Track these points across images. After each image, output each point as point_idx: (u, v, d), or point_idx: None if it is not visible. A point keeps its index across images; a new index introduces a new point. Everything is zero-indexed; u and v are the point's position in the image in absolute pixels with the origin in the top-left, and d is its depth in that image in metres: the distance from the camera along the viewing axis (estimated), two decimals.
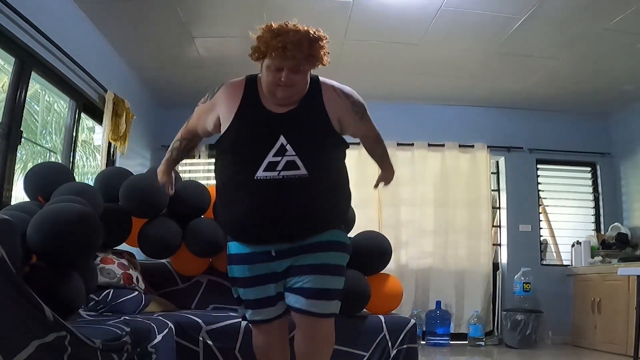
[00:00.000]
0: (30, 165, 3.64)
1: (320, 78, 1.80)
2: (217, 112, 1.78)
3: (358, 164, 5.20)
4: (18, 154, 2.99)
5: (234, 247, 1.81)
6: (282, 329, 1.91)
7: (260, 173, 1.65)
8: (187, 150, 2.01)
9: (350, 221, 2.95)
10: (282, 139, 1.66)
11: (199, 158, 5.30)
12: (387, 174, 2.02)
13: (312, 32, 1.66)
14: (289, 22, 1.69)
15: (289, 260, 1.73)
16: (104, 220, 2.09)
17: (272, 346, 1.88)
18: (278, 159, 1.65)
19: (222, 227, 1.93)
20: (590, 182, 5.45)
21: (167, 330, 2.22)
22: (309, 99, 1.73)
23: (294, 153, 1.65)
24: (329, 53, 1.73)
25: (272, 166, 1.65)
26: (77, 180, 2.75)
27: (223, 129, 1.74)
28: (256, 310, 1.81)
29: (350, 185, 1.87)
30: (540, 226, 5.30)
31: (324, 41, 1.69)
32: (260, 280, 1.77)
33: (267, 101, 1.72)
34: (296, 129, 1.69)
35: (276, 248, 1.72)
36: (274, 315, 1.81)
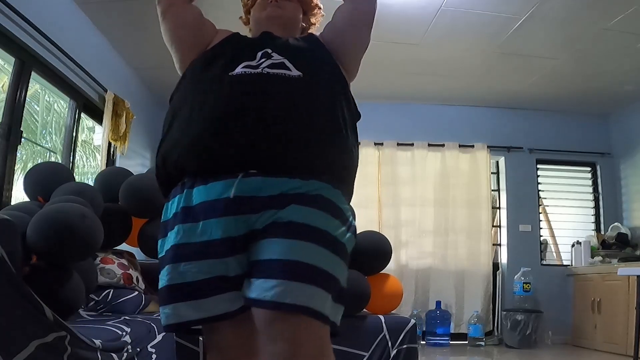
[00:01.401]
0: (30, 165, 3.65)
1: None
2: (208, 29, 1.45)
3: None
4: (18, 154, 2.99)
5: (170, 205, 1.16)
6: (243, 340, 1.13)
7: (238, 70, 1.18)
8: None
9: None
10: (267, 50, 1.24)
11: None
12: None
13: None
14: None
15: (255, 215, 1.05)
16: (104, 220, 2.09)
17: None
18: (261, 61, 1.20)
19: (158, 167, 1.22)
20: (590, 182, 5.45)
21: None
22: (305, 36, 1.43)
23: (281, 58, 1.21)
24: (320, 15, 1.58)
25: (251, 66, 1.19)
26: (77, 180, 2.75)
27: (197, 52, 1.35)
28: (189, 302, 1.07)
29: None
30: (540, 226, 5.30)
31: (319, 6, 1.58)
32: (200, 251, 1.06)
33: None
34: (285, 44, 1.29)
35: (237, 184, 1.05)
36: (220, 311, 1.07)
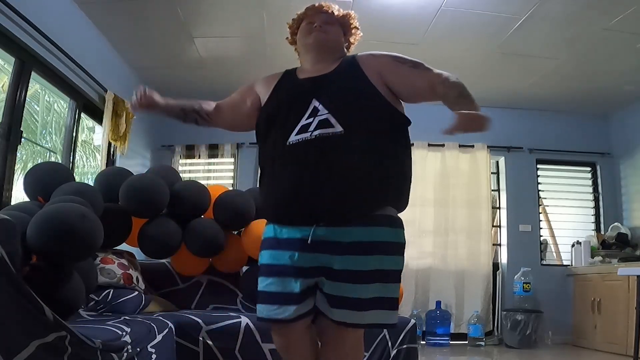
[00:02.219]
0: (30, 165, 3.65)
1: (360, 53, 1.70)
2: (257, 90, 1.78)
3: None
4: (18, 154, 3.00)
5: (267, 230, 1.57)
6: (304, 335, 1.59)
7: (293, 137, 1.46)
8: (196, 117, 1.78)
9: None
10: (314, 102, 1.49)
11: (199, 158, 5.30)
12: (469, 117, 1.48)
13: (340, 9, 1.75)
14: None
15: (322, 256, 1.42)
16: (104, 220, 2.09)
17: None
18: (311, 120, 1.46)
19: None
20: (590, 182, 5.45)
21: (167, 330, 2.22)
22: (343, 65, 1.60)
23: (327, 111, 1.46)
24: (359, 35, 1.81)
25: (304, 128, 1.45)
26: (77, 180, 2.75)
27: (262, 105, 1.69)
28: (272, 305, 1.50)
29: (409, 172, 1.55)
30: (540, 226, 5.30)
31: (352, 17, 1.77)
32: (282, 272, 1.47)
33: (303, 73, 1.67)
34: (329, 88, 1.52)
35: (312, 233, 1.42)
36: (293, 315, 1.47)
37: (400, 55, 1.60)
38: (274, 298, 1.47)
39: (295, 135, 1.46)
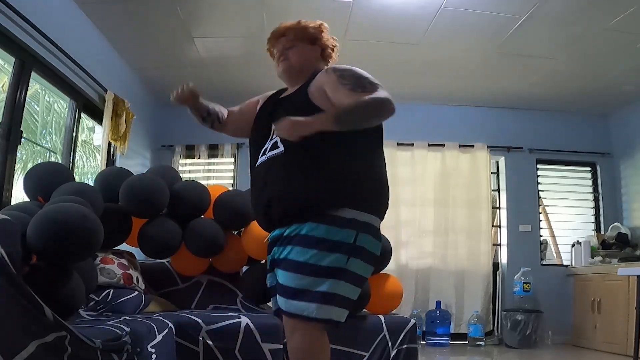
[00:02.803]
0: (30, 165, 3.65)
1: (330, 65, 1.80)
2: (258, 106, 1.94)
3: None
4: (18, 154, 3.00)
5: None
6: None
7: (259, 159, 1.71)
8: (215, 120, 2.02)
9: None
10: (273, 126, 1.67)
11: (199, 158, 5.31)
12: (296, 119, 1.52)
13: (301, 21, 1.86)
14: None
15: (279, 249, 1.62)
16: (104, 220, 2.09)
17: None
18: (269, 144, 1.69)
19: None
20: (590, 182, 5.45)
21: (167, 330, 2.22)
22: (306, 82, 1.73)
23: (276, 136, 1.65)
24: (332, 38, 1.87)
25: (264, 152, 1.70)
26: (77, 180, 2.75)
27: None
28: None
29: (362, 166, 1.62)
30: (540, 226, 5.30)
31: (316, 25, 1.85)
32: (270, 268, 1.71)
33: (285, 94, 1.84)
34: (281, 111, 1.65)
35: (273, 234, 1.67)
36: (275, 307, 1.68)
37: (349, 74, 1.64)
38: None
39: (260, 157, 1.70)
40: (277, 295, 1.60)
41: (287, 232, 1.58)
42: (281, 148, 1.62)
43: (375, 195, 1.65)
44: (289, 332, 1.58)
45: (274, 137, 1.67)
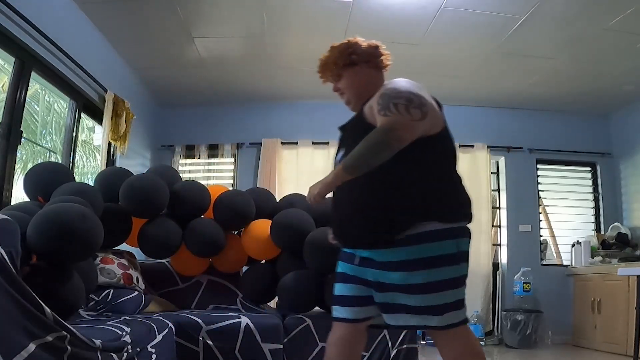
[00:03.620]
0: (30, 165, 3.65)
1: (387, 81, 1.76)
2: None
3: None
4: (18, 154, 2.99)
5: None
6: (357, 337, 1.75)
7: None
8: None
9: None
10: (341, 151, 1.75)
11: (199, 158, 5.31)
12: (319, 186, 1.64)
13: (333, 46, 1.85)
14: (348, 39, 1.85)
15: (370, 271, 1.63)
16: (104, 220, 2.09)
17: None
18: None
19: None
20: (590, 182, 5.45)
21: (167, 330, 2.22)
22: (363, 104, 1.73)
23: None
24: (370, 45, 1.84)
25: None
26: (77, 180, 2.75)
27: None
28: (338, 307, 1.73)
29: (430, 182, 1.62)
30: (540, 226, 5.30)
31: (347, 43, 1.83)
32: (344, 278, 1.72)
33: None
34: (346, 134, 1.78)
35: (361, 253, 1.66)
36: (350, 317, 1.70)
37: (387, 92, 1.60)
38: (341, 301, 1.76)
39: None
40: (409, 314, 1.58)
41: (385, 258, 1.58)
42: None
43: (459, 201, 1.70)
44: (442, 346, 1.63)
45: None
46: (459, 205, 1.69)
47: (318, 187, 1.64)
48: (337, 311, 1.73)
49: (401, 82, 1.66)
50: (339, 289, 1.73)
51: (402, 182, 1.59)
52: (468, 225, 1.72)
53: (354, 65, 1.80)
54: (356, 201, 1.62)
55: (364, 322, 1.71)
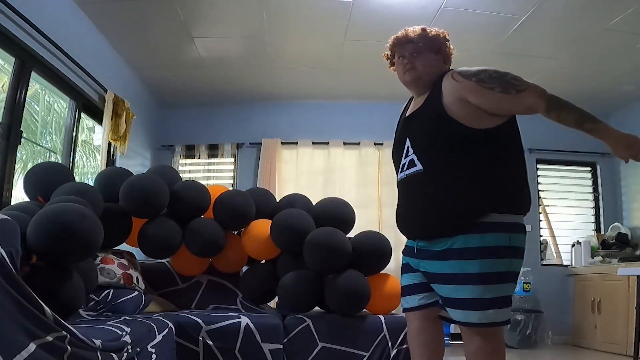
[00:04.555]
0: (30, 165, 3.65)
1: (451, 70, 1.76)
2: None
3: (358, 164, 5.20)
4: (18, 154, 2.99)
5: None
6: (429, 323, 1.80)
7: (399, 175, 1.80)
8: None
9: (348, 221, 2.95)
10: (407, 142, 1.75)
11: (199, 158, 5.31)
12: (610, 146, 1.52)
13: (429, 29, 1.83)
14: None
15: (426, 262, 1.70)
16: (104, 220, 2.09)
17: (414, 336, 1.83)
18: (405, 160, 1.76)
19: None
20: (590, 182, 5.45)
21: (167, 330, 2.22)
22: (433, 93, 1.73)
23: (412, 151, 1.72)
24: (452, 48, 1.85)
25: (402, 168, 1.77)
26: (77, 180, 2.75)
27: None
28: (405, 297, 1.83)
29: (492, 181, 1.62)
30: (540, 226, 5.30)
31: (442, 34, 1.83)
32: (408, 269, 1.81)
33: (410, 107, 1.87)
34: (415, 126, 1.76)
35: (417, 245, 1.75)
36: (416, 304, 1.78)
37: (486, 76, 1.61)
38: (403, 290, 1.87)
39: (400, 173, 1.79)
40: (453, 309, 1.62)
41: (440, 247, 1.63)
42: (419, 166, 1.69)
43: (515, 195, 1.66)
44: (469, 340, 1.63)
45: (409, 154, 1.73)
46: (518, 200, 1.67)
47: (629, 143, 1.48)
48: (405, 301, 1.82)
49: (480, 68, 1.67)
50: (404, 280, 1.83)
51: (473, 173, 1.62)
52: (523, 223, 1.68)
53: (437, 53, 1.81)
54: (426, 195, 1.67)
55: (431, 307, 1.75)
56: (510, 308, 1.61)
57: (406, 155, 1.75)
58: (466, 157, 1.62)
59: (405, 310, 1.84)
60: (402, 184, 1.78)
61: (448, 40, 1.85)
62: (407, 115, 1.85)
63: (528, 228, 5.45)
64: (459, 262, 1.58)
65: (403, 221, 1.80)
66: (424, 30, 1.82)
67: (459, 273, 1.58)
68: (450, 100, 1.65)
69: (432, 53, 1.79)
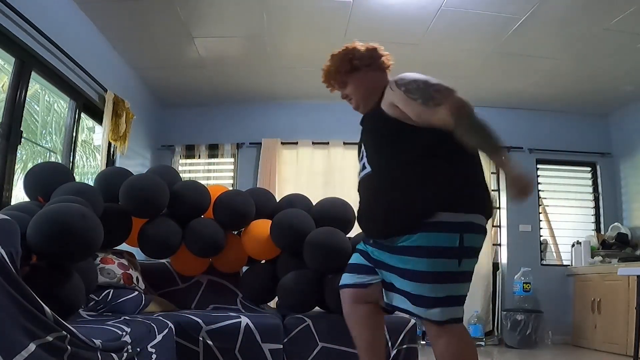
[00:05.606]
0: (30, 165, 3.65)
1: (392, 79, 1.77)
2: None
3: (357, 163, 5.20)
4: (18, 154, 3.00)
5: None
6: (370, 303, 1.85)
7: (359, 177, 1.87)
8: None
9: (348, 221, 2.95)
10: (362, 145, 1.84)
11: (199, 158, 5.31)
12: (507, 183, 1.54)
13: (333, 54, 1.91)
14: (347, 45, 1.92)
15: (380, 252, 1.76)
16: (104, 220, 2.09)
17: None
18: (361, 163, 1.84)
19: None
20: (590, 182, 5.45)
21: (167, 330, 2.22)
22: (377, 102, 1.80)
23: (365, 154, 1.81)
24: (368, 48, 1.90)
25: (359, 171, 1.85)
26: (77, 180, 2.75)
27: None
28: (345, 274, 1.90)
29: (442, 182, 1.62)
30: (540, 226, 5.30)
31: (349, 51, 1.88)
32: (359, 251, 1.89)
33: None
34: (364, 130, 1.85)
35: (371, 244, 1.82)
36: (352, 282, 1.86)
37: (414, 87, 1.64)
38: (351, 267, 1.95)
39: (358, 174, 1.85)
40: (394, 293, 1.71)
41: (393, 244, 1.67)
42: (368, 169, 1.76)
43: (466, 194, 1.64)
44: (434, 337, 1.68)
45: (363, 157, 1.81)
46: (470, 199, 1.65)
47: (519, 185, 1.51)
48: (343, 279, 1.89)
49: (415, 76, 1.70)
50: (352, 258, 1.91)
51: (421, 174, 1.63)
52: (481, 223, 1.66)
53: (357, 70, 1.85)
54: (374, 196, 1.73)
55: (364, 289, 1.81)
56: (461, 307, 1.66)
57: (361, 159, 1.83)
58: (411, 158, 1.65)
59: (340, 286, 1.90)
60: (359, 186, 1.84)
61: (355, 54, 1.87)
62: (360, 120, 1.91)
63: (528, 228, 5.49)
64: (410, 258, 1.61)
65: (359, 221, 1.86)
66: (332, 58, 1.90)
67: (408, 269, 1.62)
68: (386, 105, 1.72)
69: (353, 74, 1.85)
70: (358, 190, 1.85)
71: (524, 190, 1.50)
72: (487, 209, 1.69)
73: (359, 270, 1.84)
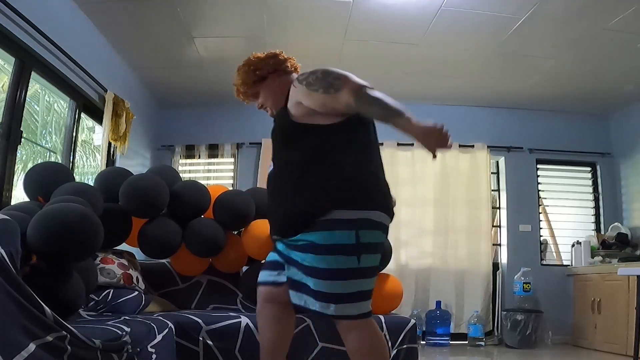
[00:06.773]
0: (30, 165, 3.65)
1: (294, 76, 1.85)
2: None
3: None
4: (18, 154, 3.00)
5: None
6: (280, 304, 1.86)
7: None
8: None
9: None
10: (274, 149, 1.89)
11: (199, 158, 5.31)
12: (419, 140, 1.49)
13: (238, 69, 1.99)
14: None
15: (286, 248, 1.78)
16: (104, 220, 2.09)
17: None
18: (272, 162, 1.89)
19: None
20: (590, 182, 5.45)
21: (167, 330, 2.22)
22: (285, 103, 1.85)
23: (273, 152, 1.87)
24: (267, 56, 1.94)
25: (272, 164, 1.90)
26: (77, 180, 2.75)
27: None
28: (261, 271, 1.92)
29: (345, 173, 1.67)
30: (540, 226, 5.30)
31: (245, 67, 1.94)
32: (275, 250, 1.88)
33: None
34: (273, 137, 1.88)
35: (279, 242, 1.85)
36: (268, 280, 1.87)
37: (313, 79, 1.69)
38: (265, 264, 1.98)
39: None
40: (306, 296, 1.69)
41: (296, 242, 1.69)
42: (272, 167, 1.84)
43: (360, 191, 1.66)
44: (344, 332, 1.71)
45: (273, 156, 1.87)
46: (365, 196, 1.67)
47: (433, 137, 1.47)
48: (260, 275, 1.90)
49: (314, 70, 1.74)
50: (269, 256, 1.91)
51: (317, 171, 1.67)
52: (380, 219, 1.68)
53: (264, 79, 1.91)
54: (274, 195, 1.81)
55: (279, 287, 1.80)
56: (368, 302, 1.66)
57: (272, 158, 1.88)
58: (303, 157, 1.70)
59: (258, 284, 1.91)
60: (267, 184, 1.90)
61: (255, 58, 1.93)
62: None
63: (528, 228, 5.48)
64: (310, 255, 1.63)
65: (268, 218, 1.92)
66: (238, 72, 1.97)
67: (309, 266, 1.64)
68: (291, 104, 1.77)
69: (262, 83, 1.91)
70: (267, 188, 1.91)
71: (441, 140, 1.47)
72: (384, 205, 1.71)
73: (274, 267, 1.85)
